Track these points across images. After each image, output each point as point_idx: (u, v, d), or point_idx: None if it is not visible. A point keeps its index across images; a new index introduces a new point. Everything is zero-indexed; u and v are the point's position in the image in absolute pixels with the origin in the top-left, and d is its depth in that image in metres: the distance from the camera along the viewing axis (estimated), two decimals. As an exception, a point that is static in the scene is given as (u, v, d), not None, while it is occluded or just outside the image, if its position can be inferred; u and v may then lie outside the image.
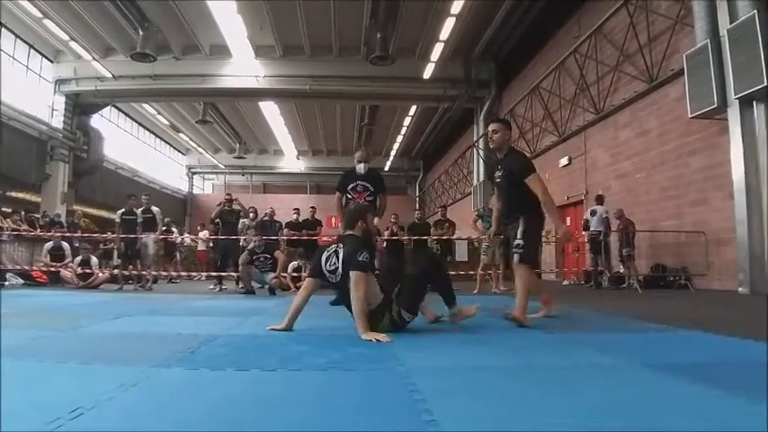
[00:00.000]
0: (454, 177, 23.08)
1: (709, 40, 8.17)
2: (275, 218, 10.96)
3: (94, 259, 9.38)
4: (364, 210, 4.17)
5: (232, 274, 9.25)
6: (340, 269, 3.66)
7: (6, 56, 15.44)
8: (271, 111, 21.99)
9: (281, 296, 7.94)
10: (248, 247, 8.48)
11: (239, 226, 10.08)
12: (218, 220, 9.63)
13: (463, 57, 16.85)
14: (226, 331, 3.78)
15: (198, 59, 17.24)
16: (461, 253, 13.01)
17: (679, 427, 1.58)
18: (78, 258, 9.25)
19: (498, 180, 4.50)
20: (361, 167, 5.83)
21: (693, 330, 3.68)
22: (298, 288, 9.20)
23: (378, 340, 3.23)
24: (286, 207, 14.23)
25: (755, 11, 7.33)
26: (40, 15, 13.95)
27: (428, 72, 16.67)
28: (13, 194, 16.15)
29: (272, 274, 8.12)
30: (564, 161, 13.36)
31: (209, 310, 5.40)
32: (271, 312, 5.19)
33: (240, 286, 8.52)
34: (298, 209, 11.41)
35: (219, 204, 9.89)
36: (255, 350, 3.02)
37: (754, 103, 7.69)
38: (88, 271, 9.10)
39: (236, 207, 9.82)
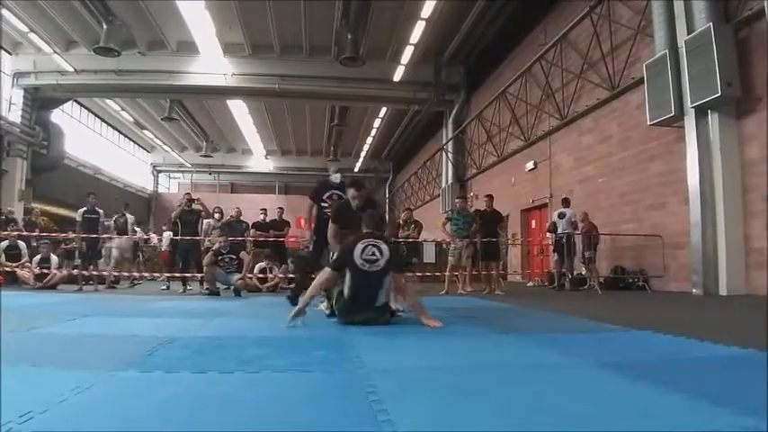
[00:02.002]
0: (423, 180, 23.22)
1: (667, 51, 8.42)
2: (242, 218, 10.86)
3: (54, 258, 9.14)
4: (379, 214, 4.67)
5: (196, 275, 9.12)
6: (382, 263, 4.09)
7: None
8: (239, 109, 21.78)
9: (246, 297, 7.88)
10: (213, 248, 8.39)
11: (204, 226, 9.97)
12: (177, 220, 9.44)
13: (433, 60, 16.98)
14: (186, 333, 3.74)
15: (164, 55, 16.99)
16: (429, 254, 13.10)
17: (618, 422, 1.64)
18: (38, 257, 8.99)
19: None
20: (336, 177, 6.23)
21: (644, 330, 3.79)
22: (267, 289, 9.27)
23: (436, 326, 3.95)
24: (255, 207, 14.07)
25: (711, 23, 7.59)
26: (-3, 5, 13.42)
27: (398, 75, 16.77)
28: None
29: (237, 275, 8.06)
30: (530, 165, 13.58)
31: (170, 312, 5.34)
32: (235, 313, 5.16)
33: (205, 287, 8.42)
34: (265, 209, 11.32)
35: (180, 204, 9.75)
36: (215, 352, 3.02)
37: (709, 111, 7.97)
38: (46, 270, 8.85)
39: (196, 207, 9.68)
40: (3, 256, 9.23)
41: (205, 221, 10.12)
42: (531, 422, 1.64)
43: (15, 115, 17.04)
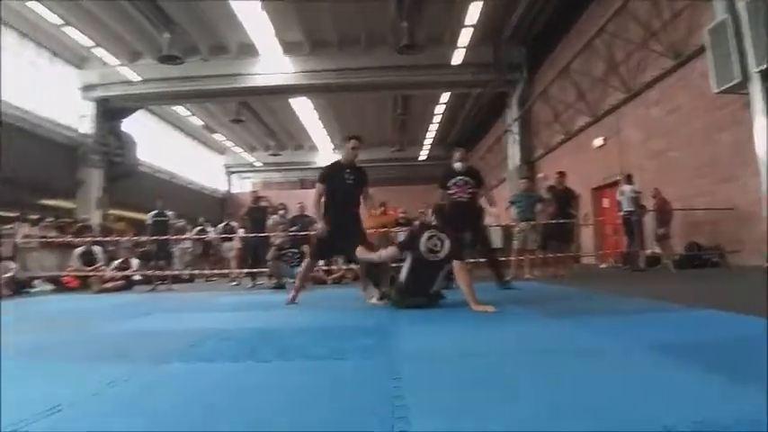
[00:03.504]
0: (490, 163, 22.75)
1: (728, 14, 7.85)
2: (306, 213, 10.98)
3: (135, 261, 9.58)
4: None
5: (263, 270, 9.32)
6: (442, 255, 4.37)
7: (28, 63, 15.81)
8: (302, 106, 22.10)
9: (311, 289, 7.95)
10: (275, 243, 8.54)
11: (269, 222, 10.16)
12: (245, 218, 9.71)
13: (492, 41, 16.51)
14: (238, 325, 3.81)
15: (226, 59, 17.42)
16: (495, 239, 12.73)
17: (642, 411, 1.52)
18: (117, 261, 9.45)
19: None
20: (458, 165, 6.30)
21: (705, 310, 3.55)
22: (332, 281, 9.34)
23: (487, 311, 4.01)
24: None
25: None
26: (61, 22, 14.18)
27: (457, 58, 16.43)
28: (46, 201, 16.40)
29: (300, 268, 8.13)
30: (598, 142, 12.97)
31: (231, 306, 5.45)
32: (294, 306, 5.16)
33: (272, 281, 8.59)
34: (302, 202, 11.39)
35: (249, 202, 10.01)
36: (259, 343, 3.05)
37: (774, 75, 7.33)
38: (124, 273, 9.29)
39: (263, 204, 9.90)
40: (79, 261, 9.76)
41: (271, 218, 10.31)
42: (544, 412, 1.55)
43: (87, 127, 17.91)
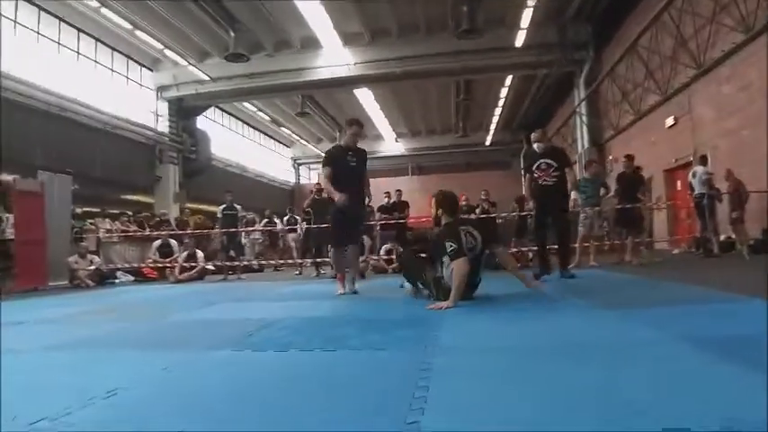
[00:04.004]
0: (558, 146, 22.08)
1: None
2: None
3: (200, 253, 10.07)
4: None
5: (326, 259, 9.55)
6: (478, 249, 4.29)
7: (105, 67, 16.79)
8: (365, 96, 22.23)
9: (371, 279, 8.11)
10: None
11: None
12: (309, 209, 9.97)
13: (556, 20, 15.97)
14: (292, 315, 3.96)
15: (290, 54, 17.79)
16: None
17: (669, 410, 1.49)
18: (184, 253, 9.97)
19: None
20: (537, 147, 6.15)
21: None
22: (393, 270, 9.44)
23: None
24: (389, 191, 14.14)
25: None
26: (131, 27, 14.92)
27: (520, 40, 16.03)
28: (128, 197, 17.62)
29: (359, 258, 8.29)
30: (669, 121, 12.33)
31: (290, 296, 5.63)
32: (350, 296, 5.27)
33: (333, 271, 8.78)
34: (388, 192, 11.49)
35: (311, 193, 10.26)
36: (307, 332, 3.17)
37: None
38: (193, 264, 9.79)
39: (325, 195, 10.08)
40: (157, 253, 10.36)
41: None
42: (562, 409, 1.53)
43: (163, 126, 18.96)
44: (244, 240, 11.85)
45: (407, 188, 21.13)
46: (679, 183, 12.17)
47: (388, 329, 3.10)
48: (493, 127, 27.29)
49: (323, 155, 5.71)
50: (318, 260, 9.63)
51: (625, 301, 3.91)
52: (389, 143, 30.24)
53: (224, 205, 10.18)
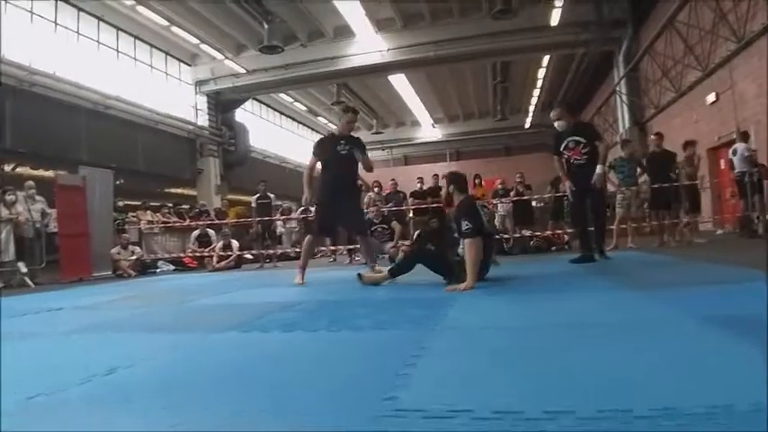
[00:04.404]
0: (599, 127, 21.47)
1: None
2: (398, 189, 11.15)
3: (235, 243, 10.26)
4: None
5: (357, 246, 9.60)
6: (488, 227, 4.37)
7: (144, 64, 17.23)
8: (400, 82, 22.14)
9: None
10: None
11: (365, 199, 10.42)
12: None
13: (593, -4, 15.48)
14: (308, 298, 4.01)
15: (324, 43, 17.84)
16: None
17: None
18: (220, 243, 10.19)
19: None
20: (560, 125, 5.86)
21: None
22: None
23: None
24: (427, 176, 13.94)
25: None
26: (167, 23, 15.22)
27: (555, 18, 15.61)
28: (172, 190, 18.38)
29: (390, 244, 8.31)
30: (711, 98, 11.77)
31: (314, 282, 5.60)
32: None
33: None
34: (421, 178, 11.49)
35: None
36: (318, 314, 3.21)
37: None
38: (229, 253, 10.01)
39: (359, 183, 10.13)
40: (196, 243, 10.63)
41: (367, 195, 10.57)
42: (553, 388, 1.48)
43: (203, 120, 19.34)
44: (281, 229, 12.02)
45: (444, 173, 20.98)
46: (722, 161, 11.66)
47: (398, 310, 3.11)
48: (532, 109, 26.76)
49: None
50: (351, 247, 9.69)
51: (649, 282, 3.80)
52: (426, 129, 30.07)
53: (257, 195, 10.35)
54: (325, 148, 5.28)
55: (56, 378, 1.88)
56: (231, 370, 1.91)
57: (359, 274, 4.70)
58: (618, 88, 16.80)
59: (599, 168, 5.59)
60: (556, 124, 5.92)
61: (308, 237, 5.65)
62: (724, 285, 3.30)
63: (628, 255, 6.80)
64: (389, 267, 4.76)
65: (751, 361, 1.56)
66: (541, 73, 21.72)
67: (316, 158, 5.27)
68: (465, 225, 3.97)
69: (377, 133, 28.71)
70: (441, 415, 1.27)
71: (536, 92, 24.14)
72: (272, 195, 10.35)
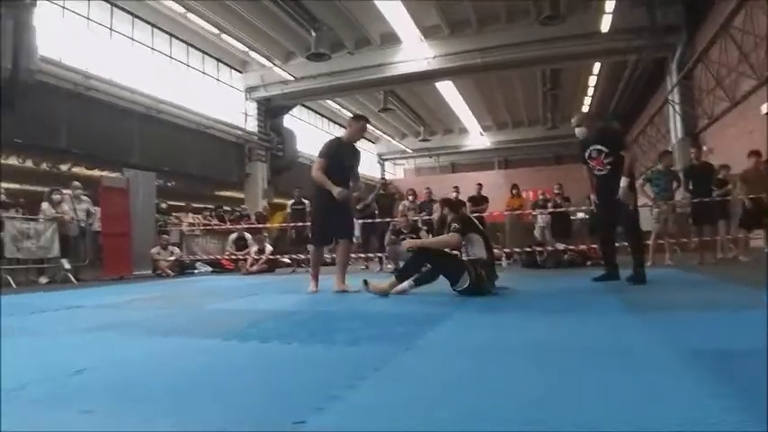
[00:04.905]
0: (652, 137, 20.75)
1: None
2: (432, 197, 11.10)
3: (269, 247, 10.46)
4: None
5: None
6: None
7: (196, 71, 17.86)
8: (448, 90, 22.06)
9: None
10: (392, 228, 8.77)
11: (400, 207, 10.44)
12: (374, 204, 10.09)
13: (644, 2, 14.97)
14: (311, 308, 4.04)
15: (371, 51, 17.96)
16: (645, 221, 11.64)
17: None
18: (255, 247, 10.41)
19: None
20: (580, 132, 5.47)
21: None
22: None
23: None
24: (474, 184, 13.70)
25: None
26: (217, 32, 15.66)
27: (606, 25, 15.18)
28: (221, 193, 18.99)
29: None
30: (765, 108, 11.16)
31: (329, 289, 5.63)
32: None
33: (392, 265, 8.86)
34: (457, 187, 11.36)
35: (375, 189, 10.39)
36: (310, 325, 3.25)
37: None
38: (262, 257, 10.21)
39: (391, 191, 10.20)
40: (234, 246, 10.89)
41: (401, 203, 10.59)
42: (483, 411, 1.49)
43: (252, 125, 19.83)
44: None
45: (493, 182, 20.79)
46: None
47: (388, 325, 3.08)
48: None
49: (323, 145, 5.46)
50: (381, 255, 9.72)
51: (661, 304, 3.65)
52: (474, 136, 29.81)
53: (293, 200, 10.53)
54: (332, 153, 5.21)
55: (26, 375, 1.99)
56: (175, 378, 1.96)
57: (365, 281, 4.70)
58: (670, 97, 16.19)
59: (623, 181, 5.05)
60: (576, 131, 5.51)
61: (312, 248, 5.68)
62: (742, 312, 3.11)
63: (661, 273, 6.51)
64: (396, 271, 4.80)
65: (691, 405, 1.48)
66: (593, 80, 21.18)
67: (326, 160, 5.15)
68: (454, 226, 4.30)
69: (424, 140, 28.69)
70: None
71: (587, 100, 23.54)
72: (306, 201, 10.49)
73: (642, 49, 15.81)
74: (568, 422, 1.35)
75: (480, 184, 11.80)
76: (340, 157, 5.18)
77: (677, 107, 15.85)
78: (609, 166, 5.22)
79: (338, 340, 2.63)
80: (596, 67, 19.75)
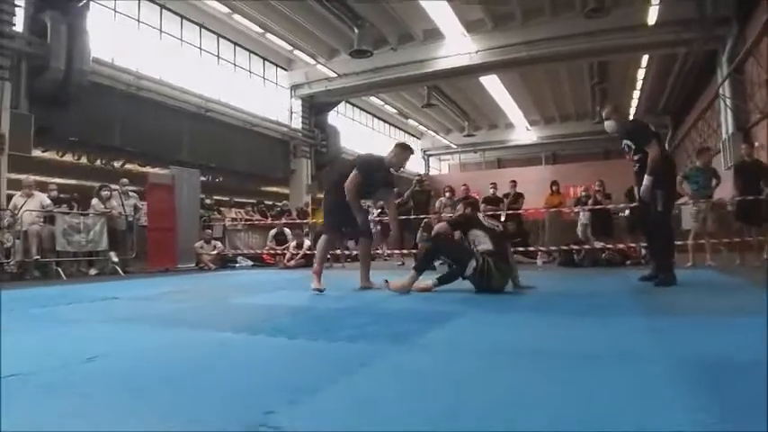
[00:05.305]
0: (704, 132, 19.95)
1: None
2: (470, 194, 11.06)
3: (307, 242, 10.67)
4: None
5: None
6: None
7: (243, 69, 18.25)
8: (493, 84, 21.82)
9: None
10: (425, 225, 8.82)
11: (437, 204, 10.49)
12: (410, 200, 10.15)
13: (694, -7, 14.42)
14: (327, 305, 4.14)
15: (413, 47, 17.92)
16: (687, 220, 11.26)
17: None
18: (293, 242, 10.65)
19: None
20: (608, 126, 5.31)
21: None
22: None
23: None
24: (522, 180, 13.50)
25: None
26: (261, 31, 15.99)
27: (653, 17, 14.71)
28: (267, 189, 19.56)
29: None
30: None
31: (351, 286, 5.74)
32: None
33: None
34: (495, 183, 11.32)
35: (411, 185, 10.44)
36: (317, 322, 3.33)
37: None
38: (300, 252, 10.43)
39: (426, 187, 10.24)
40: (274, 241, 11.17)
41: (439, 199, 10.64)
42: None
43: (297, 122, 20.18)
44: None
45: (540, 178, 20.46)
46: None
47: (395, 323, 3.16)
48: (632, 111, 25.34)
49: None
50: (415, 251, 9.79)
51: (683, 309, 3.61)
52: (521, 131, 29.36)
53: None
54: (370, 170, 5.16)
55: (44, 362, 2.18)
56: (172, 368, 2.11)
57: (385, 281, 4.80)
58: (721, 91, 15.54)
59: (646, 180, 4.84)
60: (605, 125, 5.35)
61: (324, 237, 5.55)
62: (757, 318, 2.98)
63: (696, 274, 6.34)
64: (414, 266, 4.89)
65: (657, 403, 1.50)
66: (641, 74, 20.53)
67: (362, 176, 5.06)
68: (450, 217, 4.87)
69: (469, 136, 28.42)
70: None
71: (636, 93, 22.84)
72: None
73: (691, 41, 15.23)
74: (532, 424, 1.40)
75: (515, 181, 11.70)
76: (373, 177, 5.17)
77: (728, 101, 15.21)
78: (638, 163, 5.09)
79: (341, 337, 2.73)
80: (644, 60, 19.12)
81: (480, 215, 5.18)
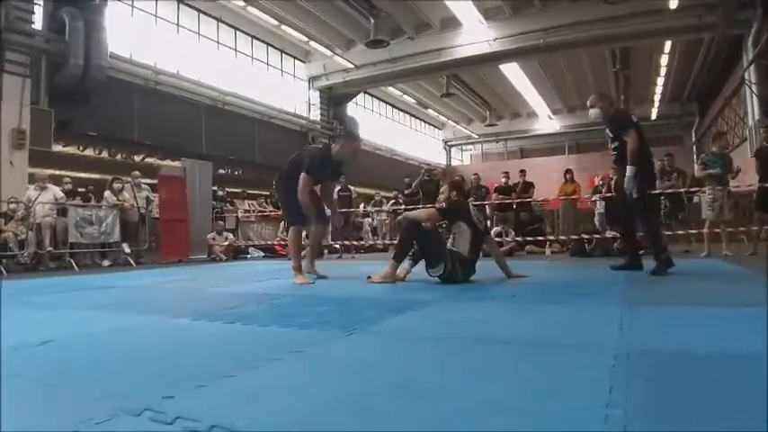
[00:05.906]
0: (730, 120, 19.37)
1: None
2: (481, 183, 11.03)
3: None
4: None
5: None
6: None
7: (261, 62, 18.40)
8: (513, 72, 21.53)
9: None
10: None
11: (441, 190, 10.47)
12: (418, 189, 10.16)
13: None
14: (304, 292, 4.20)
15: (431, 35, 17.84)
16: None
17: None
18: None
19: None
20: (592, 113, 5.16)
21: None
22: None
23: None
24: (545, 170, 13.32)
25: None
26: (277, 23, 16.13)
27: (674, 1, 14.33)
28: None
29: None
30: None
31: (345, 275, 5.78)
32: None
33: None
34: (507, 172, 11.24)
35: (420, 175, 10.44)
36: (284, 309, 3.38)
37: None
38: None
39: (435, 177, 10.23)
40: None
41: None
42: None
43: (315, 114, 20.27)
44: (370, 221, 12.41)
45: (563, 167, 20.12)
46: None
47: (362, 311, 3.18)
48: (657, 99, 24.76)
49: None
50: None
51: (666, 299, 3.52)
52: (544, 120, 28.94)
53: (338, 187, 10.77)
54: (321, 168, 5.12)
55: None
56: (107, 352, 2.19)
57: (368, 277, 4.82)
58: (746, 77, 15.07)
59: (629, 170, 4.74)
60: (590, 113, 5.22)
61: (293, 229, 5.38)
62: (746, 309, 2.89)
63: (700, 263, 6.20)
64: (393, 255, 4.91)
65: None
66: (665, 60, 20.01)
67: (312, 177, 5.08)
68: (441, 205, 4.90)
69: (490, 125, 28.14)
70: (166, 420, 1.34)
71: (660, 80, 22.28)
72: (352, 188, 10.74)
73: (715, 26, 14.78)
74: (439, 410, 1.37)
75: (524, 171, 11.57)
76: (323, 174, 5.21)
77: (754, 87, 14.73)
78: (615, 152, 5.04)
79: (296, 324, 2.75)
80: (667, 45, 18.63)
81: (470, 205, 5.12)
